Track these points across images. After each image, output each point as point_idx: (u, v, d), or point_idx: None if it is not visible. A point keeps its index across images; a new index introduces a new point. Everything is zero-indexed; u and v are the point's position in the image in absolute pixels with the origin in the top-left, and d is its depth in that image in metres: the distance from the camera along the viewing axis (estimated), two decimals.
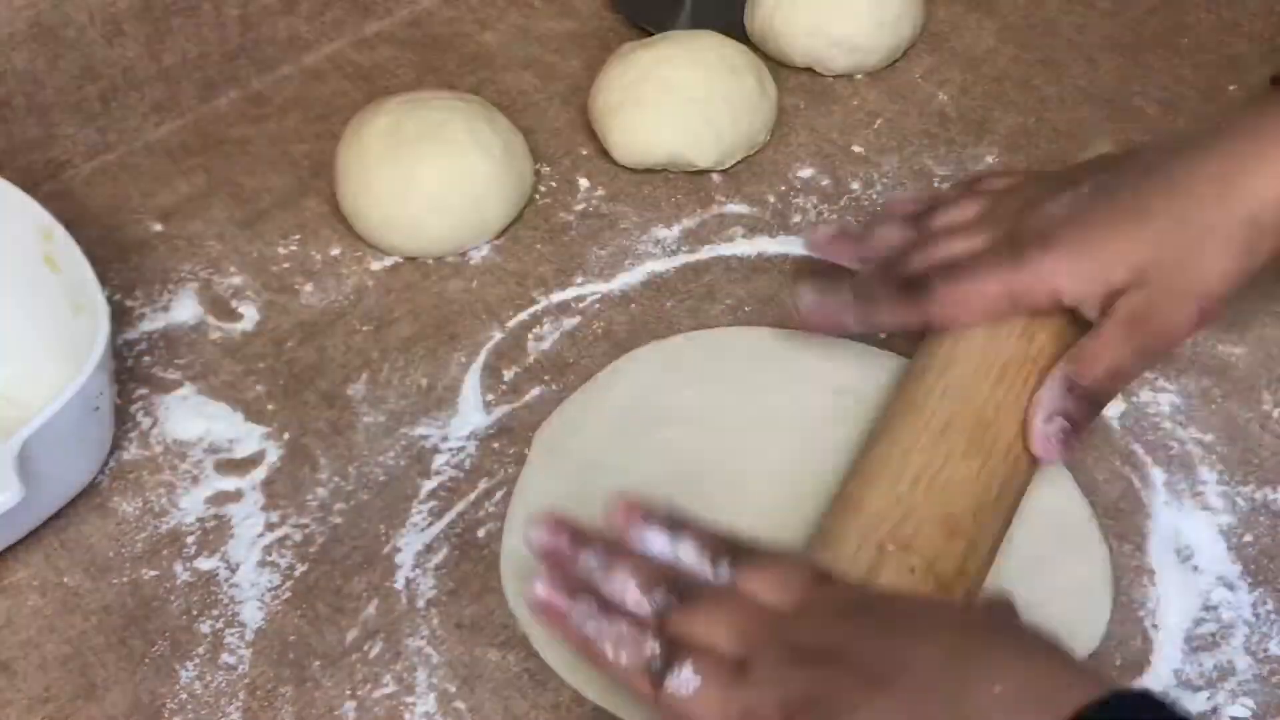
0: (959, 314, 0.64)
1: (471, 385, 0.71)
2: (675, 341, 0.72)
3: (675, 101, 0.78)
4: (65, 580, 0.63)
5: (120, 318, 0.73)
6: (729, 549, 0.55)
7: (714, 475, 0.66)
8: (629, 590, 0.54)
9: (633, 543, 0.56)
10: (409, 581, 0.63)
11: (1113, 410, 0.69)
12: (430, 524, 0.65)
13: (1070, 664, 0.48)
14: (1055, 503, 0.65)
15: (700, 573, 0.55)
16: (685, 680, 0.51)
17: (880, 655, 0.48)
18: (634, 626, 0.53)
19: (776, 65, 0.85)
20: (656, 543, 0.56)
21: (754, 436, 0.67)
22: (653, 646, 0.52)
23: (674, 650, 0.52)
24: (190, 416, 0.69)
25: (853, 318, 0.67)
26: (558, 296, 0.75)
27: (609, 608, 0.54)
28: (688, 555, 0.55)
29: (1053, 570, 0.62)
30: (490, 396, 0.70)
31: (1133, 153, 0.68)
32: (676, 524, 0.56)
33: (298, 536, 0.65)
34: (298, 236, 0.77)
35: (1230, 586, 0.63)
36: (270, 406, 0.70)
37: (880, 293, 0.66)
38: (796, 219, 0.78)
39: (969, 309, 0.64)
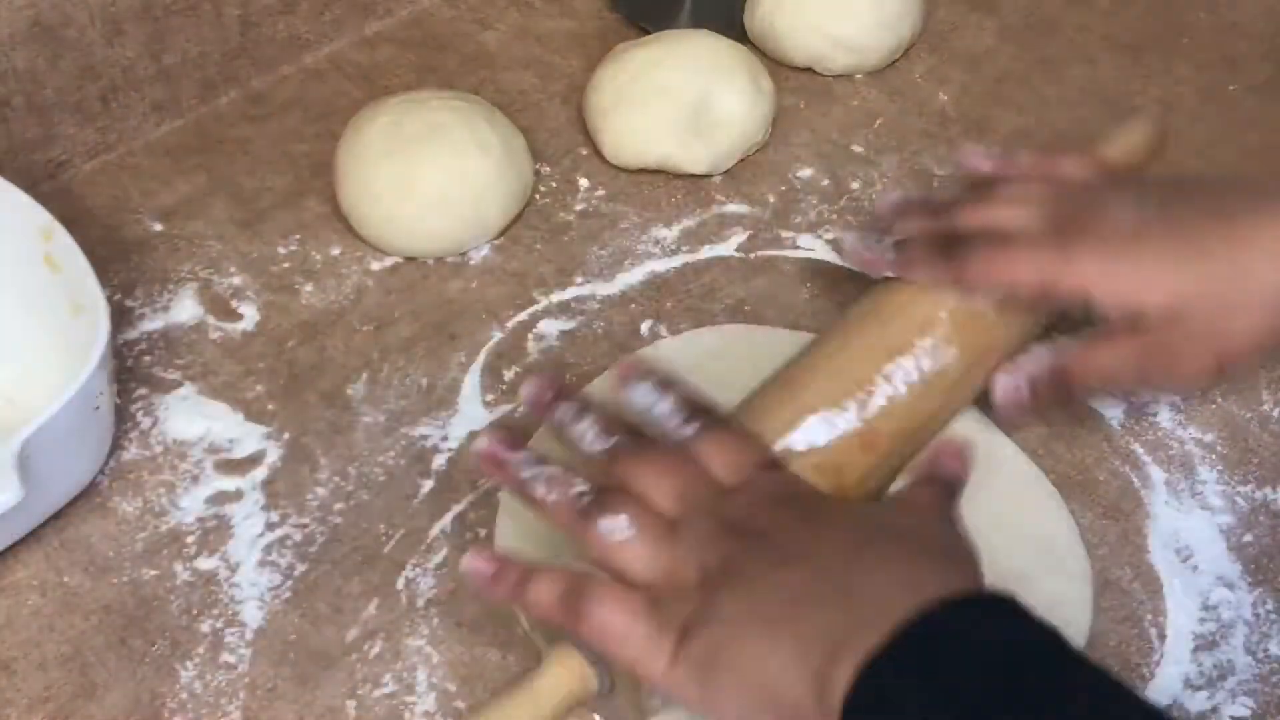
0: (990, 282, 0.64)
1: (471, 385, 0.71)
2: (668, 343, 0.72)
3: (665, 105, 0.78)
4: (65, 580, 0.63)
5: (120, 318, 0.73)
6: (705, 413, 0.58)
7: None
8: (588, 433, 0.57)
9: (622, 398, 0.59)
10: (409, 581, 0.63)
11: (1113, 410, 0.69)
12: (430, 524, 0.65)
13: (951, 567, 0.52)
14: (1045, 527, 0.64)
15: (670, 428, 0.57)
16: (619, 527, 0.53)
17: (795, 539, 0.52)
18: (567, 471, 0.55)
19: (776, 65, 0.85)
20: (640, 396, 0.58)
21: None
22: (580, 486, 0.54)
23: (616, 497, 0.54)
24: (190, 416, 0.69)
25: (891, 266, 0.66)
26: (558, 296, 0.75)
27: (548, 460, 0.56)
28: (663, 409, 0.58)
29: (1034, 585, 0.62)
30: (490, 396, 0.70)
31: (1202, 180, 0.67)
32: (666, 383, 0.58)
33: (298, 536, 0.65)
34: (298, 236, 0.77)
35: (1230, 586, 0.63)
36: (270, 406, 0.70)
37: (920, 247, 0.66)
38: (796, 219, 0.78)
39: (1000, 280, 0.64)
